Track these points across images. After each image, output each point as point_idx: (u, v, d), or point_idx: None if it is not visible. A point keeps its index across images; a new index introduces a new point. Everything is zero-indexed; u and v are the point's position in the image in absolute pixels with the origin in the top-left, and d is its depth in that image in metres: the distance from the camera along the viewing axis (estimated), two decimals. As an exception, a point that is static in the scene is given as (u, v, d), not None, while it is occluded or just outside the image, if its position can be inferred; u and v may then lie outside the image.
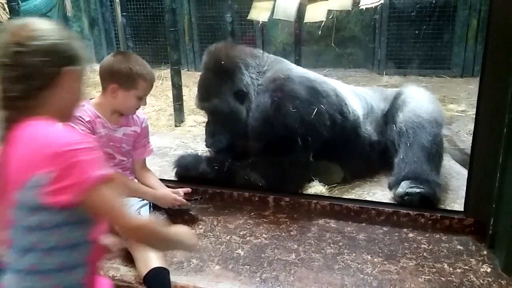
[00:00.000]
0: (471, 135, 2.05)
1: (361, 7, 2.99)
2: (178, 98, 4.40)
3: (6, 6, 5.49)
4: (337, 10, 3.04)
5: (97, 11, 7.85)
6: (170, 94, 4.72)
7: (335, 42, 5.68)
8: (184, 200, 2.22)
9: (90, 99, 2.14)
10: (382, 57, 6.47)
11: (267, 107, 2.43)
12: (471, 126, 3.33)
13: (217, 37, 6.36)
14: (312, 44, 6.59)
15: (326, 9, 3.04)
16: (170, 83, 4.63)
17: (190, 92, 5.07)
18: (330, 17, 3.06)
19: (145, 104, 2.13)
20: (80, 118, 1.98)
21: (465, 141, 3.46)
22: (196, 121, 4.30)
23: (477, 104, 1.94)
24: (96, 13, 7.87)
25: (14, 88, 1.09)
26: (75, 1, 7.54)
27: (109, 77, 2.03)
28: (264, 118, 2.43)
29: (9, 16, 5.07)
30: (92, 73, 6.03)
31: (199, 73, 2.80)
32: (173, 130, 4.34)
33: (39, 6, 6.29)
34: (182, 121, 4.47)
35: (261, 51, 2.84)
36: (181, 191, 2.25)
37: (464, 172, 2.55)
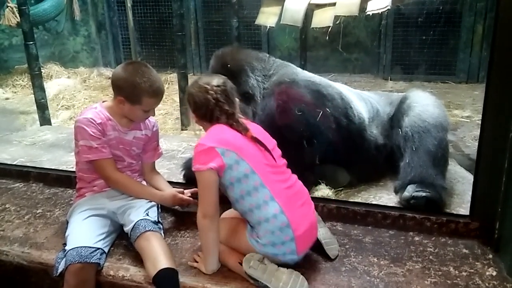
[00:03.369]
0: (476, 141, 2.06)
1: (367, 13, 3.01)
2: (184, 102, 4.42)
3: (15, 10, 5.57)
4: (343, 16, 3.06)
5: (105, 15, 7.93)
6: (177, 98, 4.77)
7: (341, 48, 5.73)
8: (191, 199, 2.24)
9: (103, 101, 2.18)
10: (388, 62, 6.49)
11: (273, 110, 2.46)
12: (476, 132, 3.35)
13: (223, 42, 6.41)
14: (318, 49, 6.63)
15: (333, 14, 3.06)
16: (176, 87, 4.68)
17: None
18: (336, 23, 3.08)
19: (153, 114, 2.16)
20: (92, 120, 2.02)
21: (470, 146, 3.47)
22: (203, 124, 4.34)
23: (483, 109, 1.94)
24: (104, 18, 7.95)
25: None
26: (83, 5, 7.63)
27: (116, 89, 2.06)
28: (270, 121, 2.45)
29: (18, 20, 5.16)
30: (99, 77, 6.13)
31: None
32: (180, 133, 4.37)
33: (48, 10, 6.38)
34: (189, 125, 4.51)
35: (267, 55, 2.86)
36: (188, 191, 2.28)
37: (470, 177, 2.56)
